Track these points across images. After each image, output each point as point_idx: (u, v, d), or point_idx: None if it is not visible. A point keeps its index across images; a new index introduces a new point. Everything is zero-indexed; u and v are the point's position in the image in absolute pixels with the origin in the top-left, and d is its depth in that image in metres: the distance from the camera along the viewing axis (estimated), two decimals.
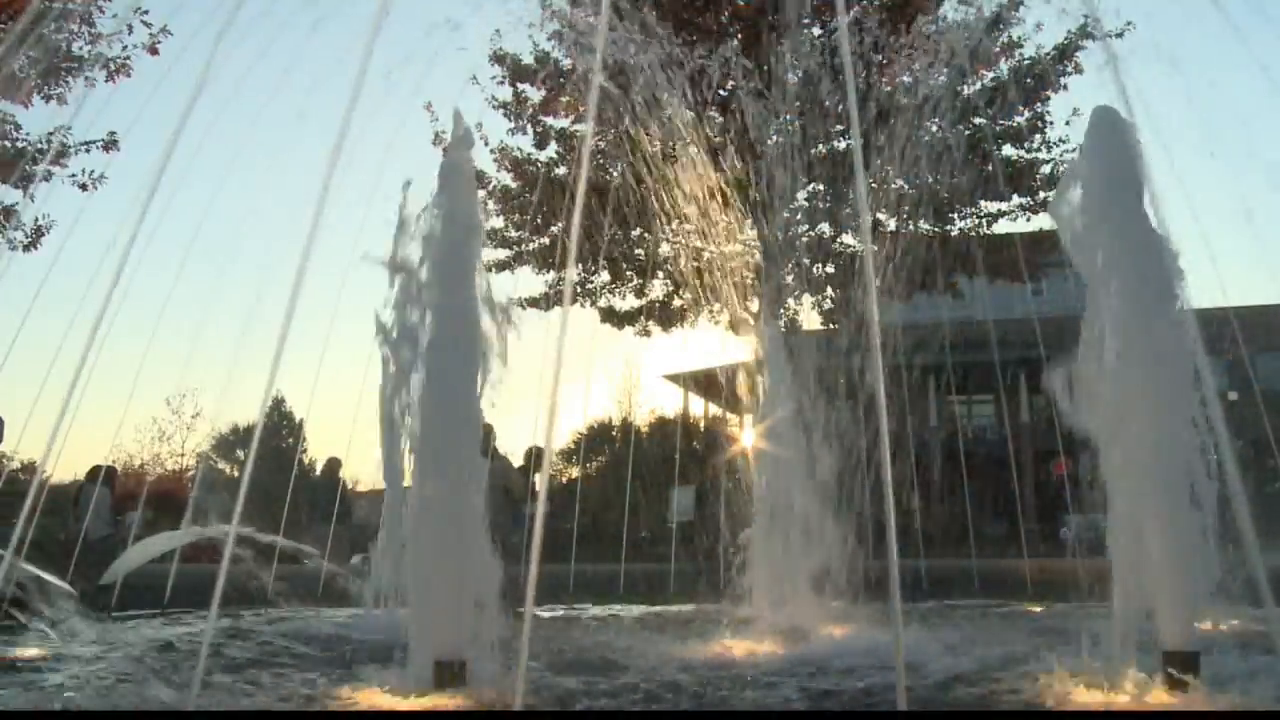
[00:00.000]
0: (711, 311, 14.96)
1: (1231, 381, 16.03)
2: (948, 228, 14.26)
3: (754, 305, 13.88)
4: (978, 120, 13.55)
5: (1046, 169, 14.25)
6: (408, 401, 3.91)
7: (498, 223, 15.08)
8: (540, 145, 14.57)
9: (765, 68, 12.99)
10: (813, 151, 12.48)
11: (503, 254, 15.12)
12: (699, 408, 30.46)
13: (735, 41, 13.35)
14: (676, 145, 11.54)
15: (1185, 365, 3.44)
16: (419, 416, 3.88)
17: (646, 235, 13.83)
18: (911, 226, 13.49)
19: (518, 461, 10.43)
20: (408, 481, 3.90)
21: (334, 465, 12.25)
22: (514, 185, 14.72)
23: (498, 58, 13.96)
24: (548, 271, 15.29)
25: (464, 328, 3.91)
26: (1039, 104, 13.99)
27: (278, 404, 32.06)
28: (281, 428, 32.58)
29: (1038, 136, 14.16)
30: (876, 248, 11.58)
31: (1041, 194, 14.33)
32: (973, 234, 14.32)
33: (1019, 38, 13.81)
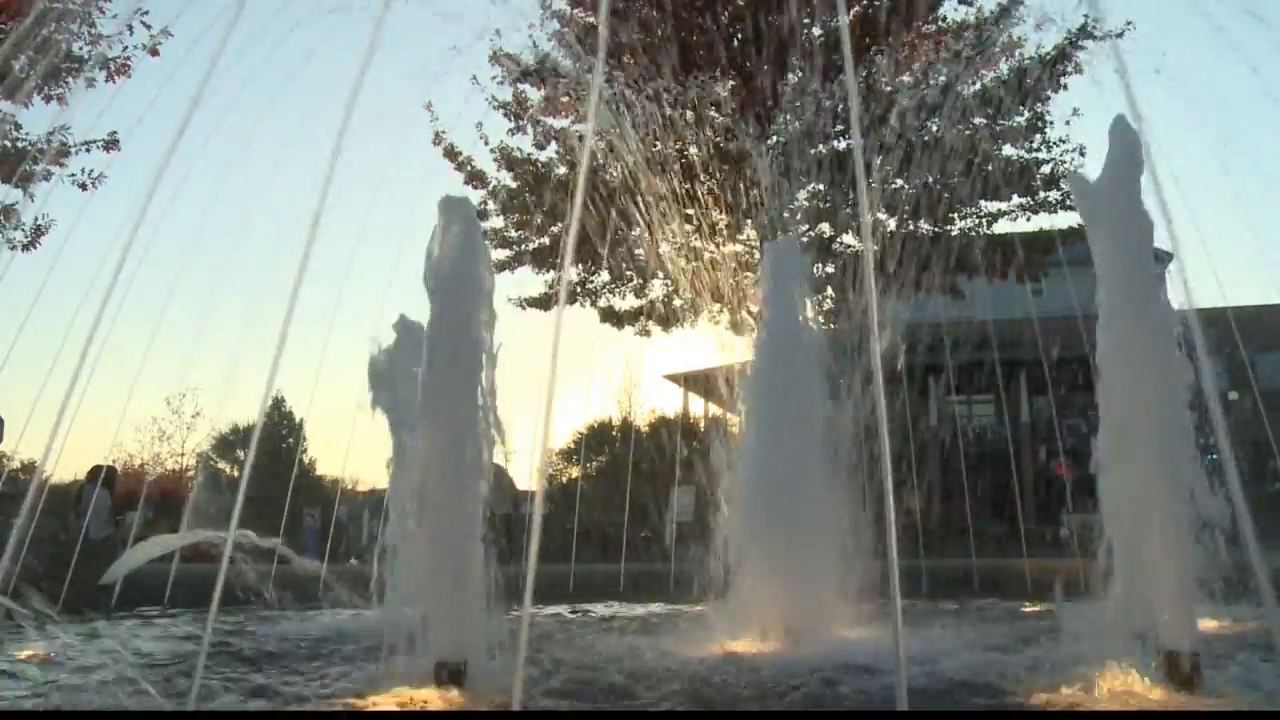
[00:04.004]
0: (711, 312, 14.97)
1: (1231, 381, 16.03)
2: (948, 228, 14.27)
3: (754, 305, 13.87)
4: (978, 120, 13.57)
5: (1046, 169, 14.27)
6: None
7: (498, 223, 15.11)
8: (540, 145, 14.59)
9: (765, 68, 13.00)
10: (813, 152, 12.50)
11: (503, 254, 15.14)
12: (699, 408, 30.43)
13: (735, 42, 13.37)
14: (676, 147, 11.56)
15: (1179, 363, 3.45)
16: (420, 413, 3.88)
17: (647, 235, 13.85)
18: (911, 226, 13.50)
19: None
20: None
21: None
22: (514, 185, 14.72)
23: (498, 58, 13.98)
24: (548, 271, 15.30)
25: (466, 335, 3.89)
26: (1039, 104, 14.00)
27: (278, 404, 32.06)
28: (281, 428, 32.57)
29: (1038, 136, 14.16)
30: (877, 248, 11.59)
31: (1041, 194, 14.35)
32: (973, 234, 14.33)
33: (1019, 38, 13.82)
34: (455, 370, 3.77)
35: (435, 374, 3.80)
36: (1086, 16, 12.66)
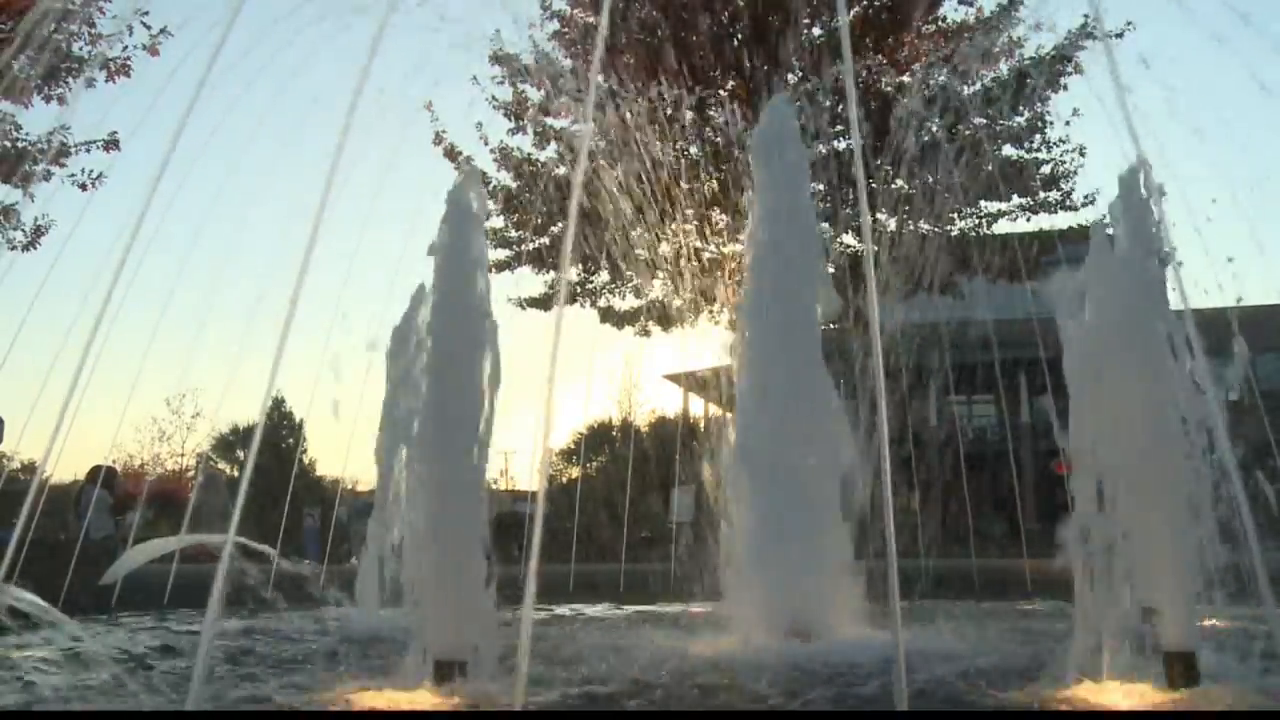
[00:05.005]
0: (711, 311, 14.97)
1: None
2: (948, 228, 14.28)
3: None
4: (978, 120, 13.58)
5: (1046, 169, 14.28)
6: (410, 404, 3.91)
7: (498, 223, 15.11)
8: (540, 145, 14.60)
9: (765, 67, 13.01)
10: (812, 151, 12.50)
11: (503, 254, 15.14)
12: (699, 408, 30.41)
13: (735, 42, 13.37)
14: (676, 146, 11.54)
15: (1181, 368, 3.45)
16: (420, 416, 3.88)
17: (647, 235, 13.86)
18: (911, 226, 13.51)
19: None
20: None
21: None
22: (514, 185, 14.73)
23: (498, 58, 13.99)
24: (548, 271, 15.31)
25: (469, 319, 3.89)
26: (1039, 104, 14.02)
27: (278, 404, 32.05)
28: (281, 428, 32.56)
29: (1038, 136, 14.18)
30: (877, 248, 11.60)
31: (1041, 194, 14.36)
32: (973, 234, 14.34)
33: (1019, 38, 13.84)
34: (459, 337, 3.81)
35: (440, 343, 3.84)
36: (1086, 17, 12.68)
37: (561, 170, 14.32)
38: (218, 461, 33.89)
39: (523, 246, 15.09)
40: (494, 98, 14.27)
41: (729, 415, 5.75)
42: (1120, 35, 12.88)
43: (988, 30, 13.54)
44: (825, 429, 5.18)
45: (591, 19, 13.80)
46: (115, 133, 10.84)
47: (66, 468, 16.28)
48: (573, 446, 28.98)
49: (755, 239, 5.68)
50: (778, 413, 5.26)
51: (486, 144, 14.54)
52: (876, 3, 13.71)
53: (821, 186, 13.77)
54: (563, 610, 7.53)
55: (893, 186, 13.32)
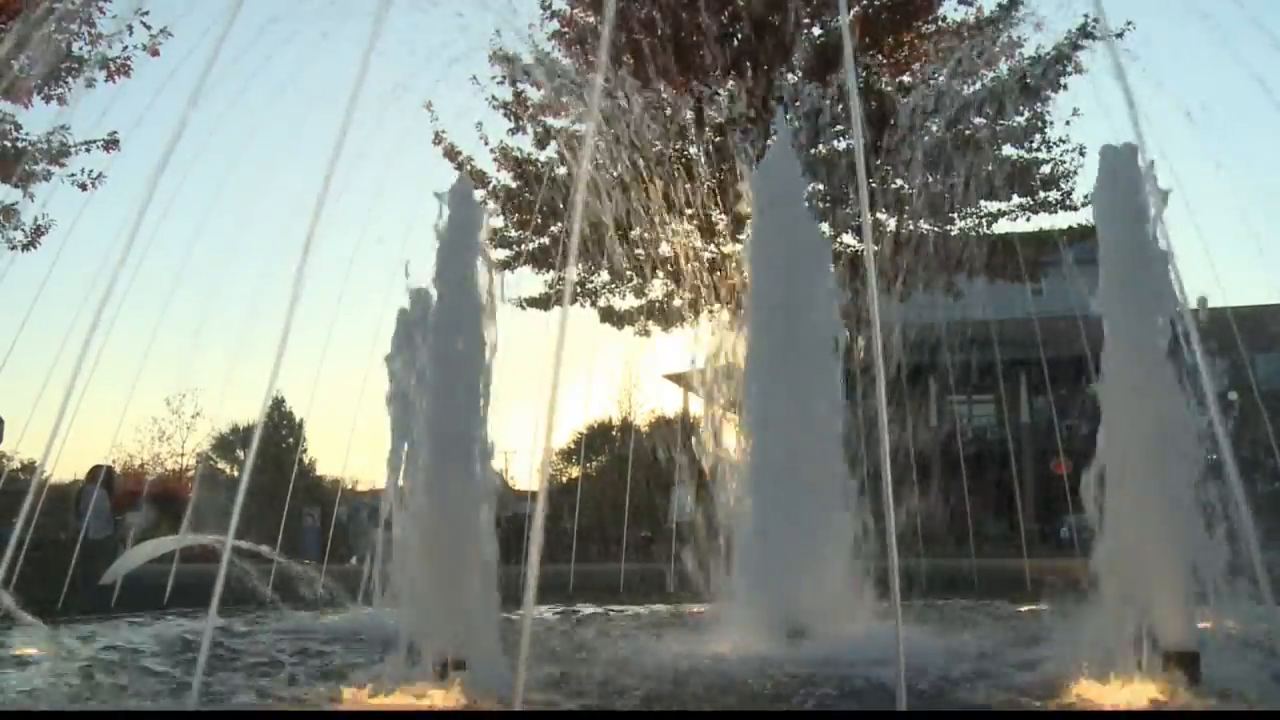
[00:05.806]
0: (711, 312, 14.95)
1: (1231, 382, 16.00)
2: (948, 228, 14.26)
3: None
4: (978, 120, 13.56)
5: (1046, 169, 14.26)
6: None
7: (498, 223, 15.10)
8: (540, 145, 14.58)
9: (765, 67, 13.01)
10: (812, 151, 12.49)
11: (503, 254, 15.13)
12: (699, 408, 30.29)
13: (735, 42, 13.37)
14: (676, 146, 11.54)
15: (1179, 365, 3.45)
16: (421, 415, 3.88)
17: (646, 235, 13.85)
18: (911, 226, 13.50)
19: None
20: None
21: None
22: (514, 185, 14.72)
23: (498, 58, 13.97)
24: (548, 271, 15.29)
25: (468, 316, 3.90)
26: (1039, 104, 13.99)
27: (278, 404, 32.00)
28: (281, 428, 32.50)
29: (1038, 136, 14.16)
30: (877, 248, 11.60)
31: (1041, 194, 14.34)
32: (973, 234, 14.32)
33: (1019, 38, 13.82)
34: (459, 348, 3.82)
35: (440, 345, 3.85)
36: (1086, 16, 12.66)
37: (562, 170, 14.31)
38: (218, 461, 33.86)
39: (523, 246, 15.07)
40: (494, 98, 14.27)
41: (728, 415, 5.75)
42: (1120, 35, 12.87)
43: (987, 30, 13.53)
44: (829, 432, 5.21)
45: (591, 19, 13.78)
46: (115, 133, 10.83)
47: (66, 468, 16.26)
48: (573, 446, 28.92)
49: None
50: (783, 415, 5.28)
51: (486, 144, 14.55)
52: (877, 2, 13.70)
53: (821, 186, 13.77)
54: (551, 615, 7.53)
55: (891, 187, 13.31)
